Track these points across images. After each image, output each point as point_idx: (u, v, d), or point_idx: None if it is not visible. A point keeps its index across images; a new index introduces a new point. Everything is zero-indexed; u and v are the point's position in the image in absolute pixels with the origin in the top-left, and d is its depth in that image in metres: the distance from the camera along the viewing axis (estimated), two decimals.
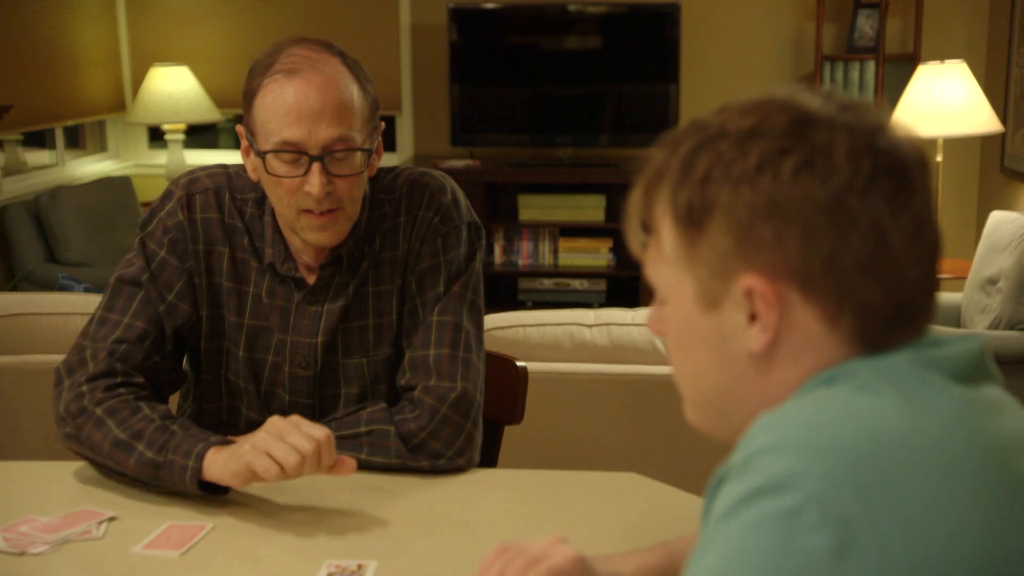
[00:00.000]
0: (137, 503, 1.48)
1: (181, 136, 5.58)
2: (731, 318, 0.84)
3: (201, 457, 1.43)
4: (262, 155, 1.51)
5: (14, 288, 4.69)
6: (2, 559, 1.33)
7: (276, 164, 1.50)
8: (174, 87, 5.42)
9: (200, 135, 6.01)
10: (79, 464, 1.64)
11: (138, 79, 5.69)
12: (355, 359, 1.64)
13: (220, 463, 1.42)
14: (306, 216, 1.52)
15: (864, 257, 0.80)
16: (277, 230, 1.61)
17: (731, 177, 0.82)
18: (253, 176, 1.58)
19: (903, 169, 0.82)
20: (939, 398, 0.79)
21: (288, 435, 1.37)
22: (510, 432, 1.84)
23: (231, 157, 6.10)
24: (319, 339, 1.62)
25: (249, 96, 1.53)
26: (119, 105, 5.83)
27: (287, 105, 1.48)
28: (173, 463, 1.44)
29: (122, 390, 1.55)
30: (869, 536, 0.71)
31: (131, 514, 1.44)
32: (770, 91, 0.86)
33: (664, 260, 0.89)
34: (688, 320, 0.88)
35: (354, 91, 1.52)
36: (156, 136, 5.91)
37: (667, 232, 0.87)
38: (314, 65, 1.50)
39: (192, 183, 1.65)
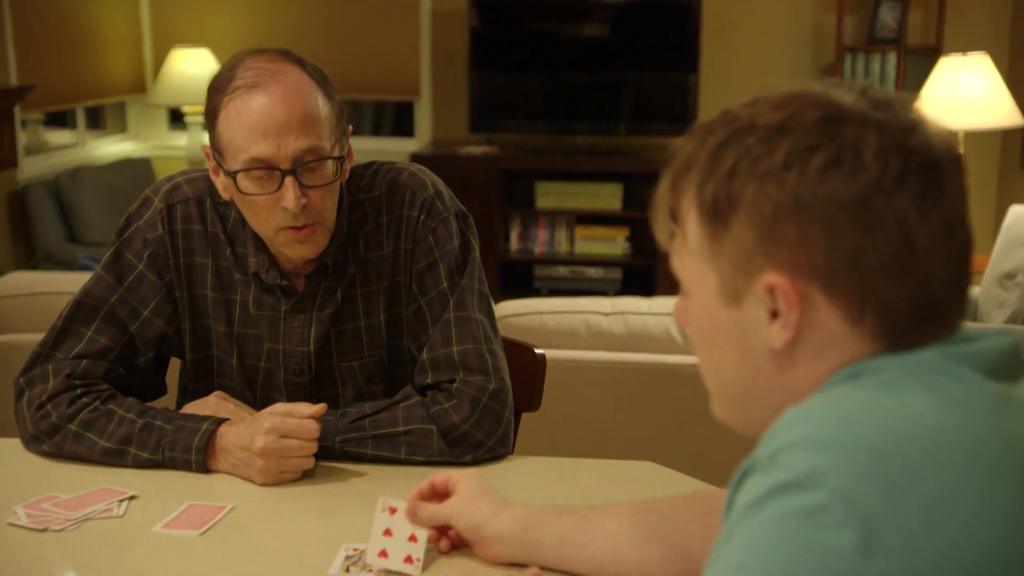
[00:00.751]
0: (157, 483, 1.49)
1: (201, 118, 5.58)
2: (753, 314, 0.84)
3: (203, 451, 1.50)
4: (232, 175, 1.47)
5: (35, 267, 4.71)
6: (25, 535, 1.34)
7: (247, 183, 1.47)
8: (195, 69, 5.42)
9: None
10: None
11: (159, 61, 5.70)
12: (348, 362, 1.63)
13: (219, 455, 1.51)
14: (284, 232, 1.50)
15: (889, 257, 0.79)
16: (259, 239, 1.58)
17: (757, 173, 0.81)
18: (225, 195, 1.54)
19: (935, 168, 0.80)
20: (970, 393, 0.77)
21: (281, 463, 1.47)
22: (529, 419, 1.84)
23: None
24: (311, 347, 1.61)
25: (212, 116, 1.50)
26: (140, 86, 5.84)
27: (252, 121, 1.44)
28: (175, 459, 1.51)
29: (85, 399, 1.55)
30: (894, 534, 0.70)
31: (151, 494, 1.45)
32: (804, 85, 0.85)
33: (688, 252, 0.88)
34: (711, 313, 0.87)
35: (318, 99, 1.48)
36: (176, 118, 5.92)
37: (692, 224, 0.86)
38: (275, 76, 1.46)
39: (172, 192, 1.62)
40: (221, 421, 1.52)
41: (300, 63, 1.50)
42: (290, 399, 1.61)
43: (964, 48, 4.70)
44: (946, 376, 0.78)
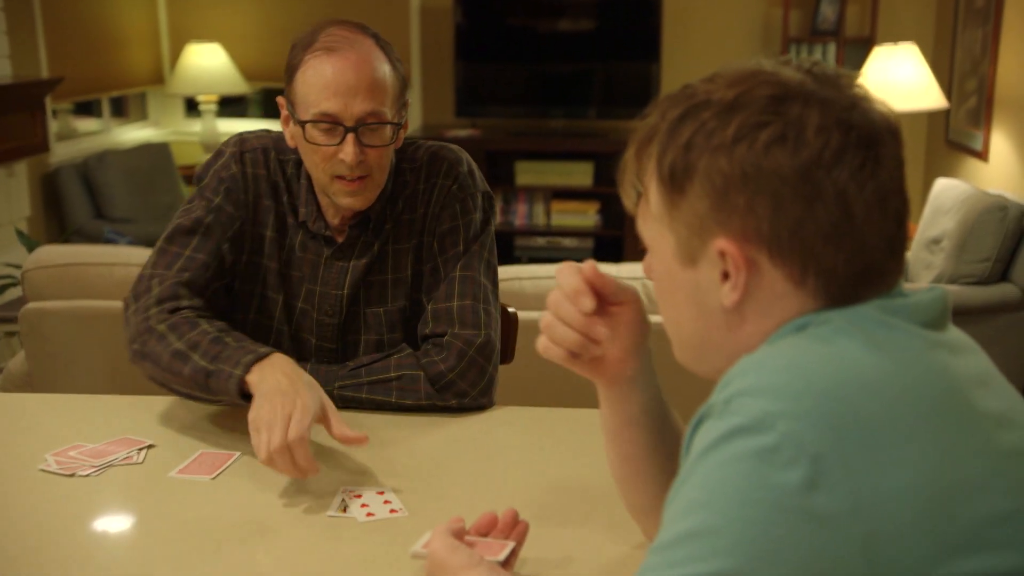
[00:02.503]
0: (173, 433, 1.47)
1: (214, 107, 5.53)
2: (706, 274, 0.83)
3: (248, 367, 1.35)
4: (302, 124, 1.48)
5: (66, 241, 4.67)
6: (55, 479, 1.32)
7: (314, 133, 1.48)
8: (208, 62, 5.38)
9: (231, 106, 5.95)
10: (123, 398, 1.63)
11: (175, 55, 5.65)
12: (374, 309, 1.62)
13: (256, 383, 1.33)
14: (338, 182, 1.50)
15: (828, 226, 0.78)
16: (311, 191, 1.59)
17: (711, 146, 0.80)
18: (291, 143, 1.55)
19: (872, 141, 0.79)
20: (904, 339, 0.77)
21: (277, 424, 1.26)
22: (509, 374, 1.82)
23: (260, 126, 6.07)
24: (345, 291, 1.60)
25: (291, 70, 1.50)
26: (158, 78, 5.78)
27: (326, 80, 1.46)
28: (221, 372, 1.37)
29: (185, 311, 1.50)
30: (838, 469, 0.69)
31: (168, 442, 1.43)
32: (759, 63, 0.83)
33: (651, 216, 0.86)
34: (670, 272, 0.86)
35: (386, 70, 1.49)
36: (191, 106, 5.86)
37: (653, 191, 0.85)
38: (351, 45, 1.47)
39: (243, 142, 1.63)
40: (273, 353, 1.38)
41: (375, 37, 1.51)
42: (319, 339, 1.61)
43: (895, 38, 4.68)
44: (883, 326, 0.78)
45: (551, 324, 1.00)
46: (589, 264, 0.99)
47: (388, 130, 1.50)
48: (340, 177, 1.50)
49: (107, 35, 5.33)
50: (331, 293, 1.61)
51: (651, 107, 0.87)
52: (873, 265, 0.80)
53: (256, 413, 1.28)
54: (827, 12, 5.04)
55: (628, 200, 0.89)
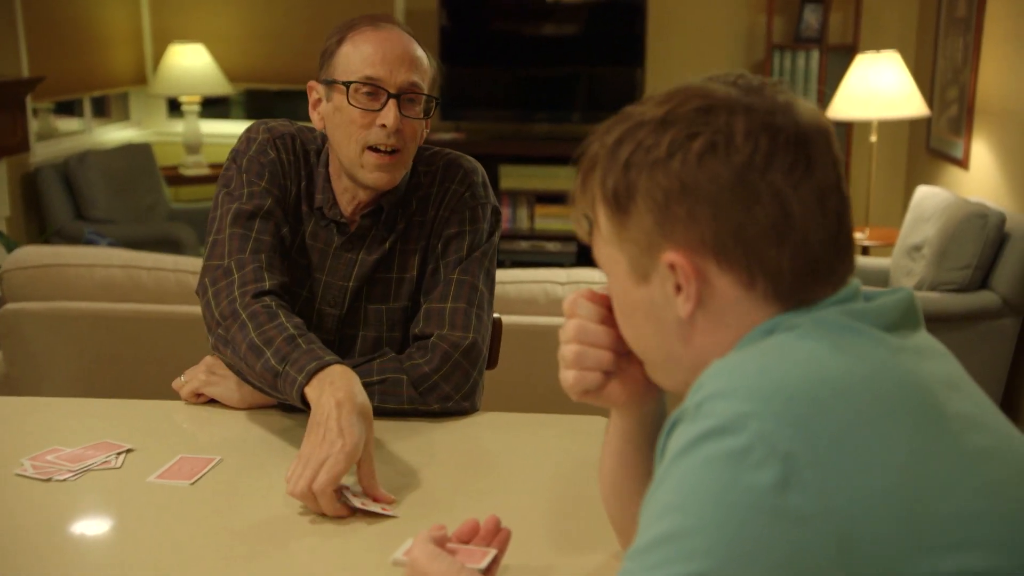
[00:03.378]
0: (153, 437, 1.45)
1: (196, 107, 5.51)
2: (660, 289, 0.84)
3: (311, 376, 1.34)
4: (346, 85, 1.51)
5: (46, 241, 4.63)
6: (31, 484, 1.31)
7: (357, 97, 1.51)
8: (191, 63, 5.35)
9: (214, 107, 5.92)
10: (102, 401, 1.61)
11: (158, 55, 5.62)
12: (376, 306, 1.62)
13: (316, 397, 1.31)
14: (370, 154, 1.52)
15: (768, 227, 0.80)
16: (327, 179, 1.61)
17: (648, 162, 0.82)
18: (319, 125, 1.58)
19: (802, 142, 0.81)
20: (869, 343, 0.78)
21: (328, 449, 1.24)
22: (492, 379, 1.82)
23: (243, 127, 6.03)
24: (351, 283, 1.61)
25: (332, 48, 1.55)
26: (141, 78, 5.75)
27: (372, 48, 1.51)
28: (288, 375, 1.36)
29: (267, 298, 1.47)
30: (810, 470, 0.70)
31: (147, 446, 1.42)
32: (686, 81, 0.86)
33: (602, 241, 0.88)
34: (626, 292, 0.88)
35: (423, 54, 1.56)
36: (174, 107, 5.83)
37: (601, 215, 0.87)
38: (393, 26, 1.55)
39: (271, 129, 1.64)
40: (335, 364, 1.37)
41: (407, 31, 1.57)
42: (318, 329, 1.58)
43: (877, 46, 4.71)
44: (849, 330, 0.79)
45: (581, 353, 0.97)
46: (589, 290, 0.99)
47: (423, 104, 1.54)
48: (373, 149, 1.52)
49: (89, 34, 5.30)
50: (337, 284, 1.61)
51: (590, 136, 0.89)
52: (819, 262, 0.81)
53: (304, 442, 1.26)
54: (810, 20, 5.07)
55: (581, 230, 0.91)
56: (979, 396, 0.82)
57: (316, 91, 1.58)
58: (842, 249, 0.83)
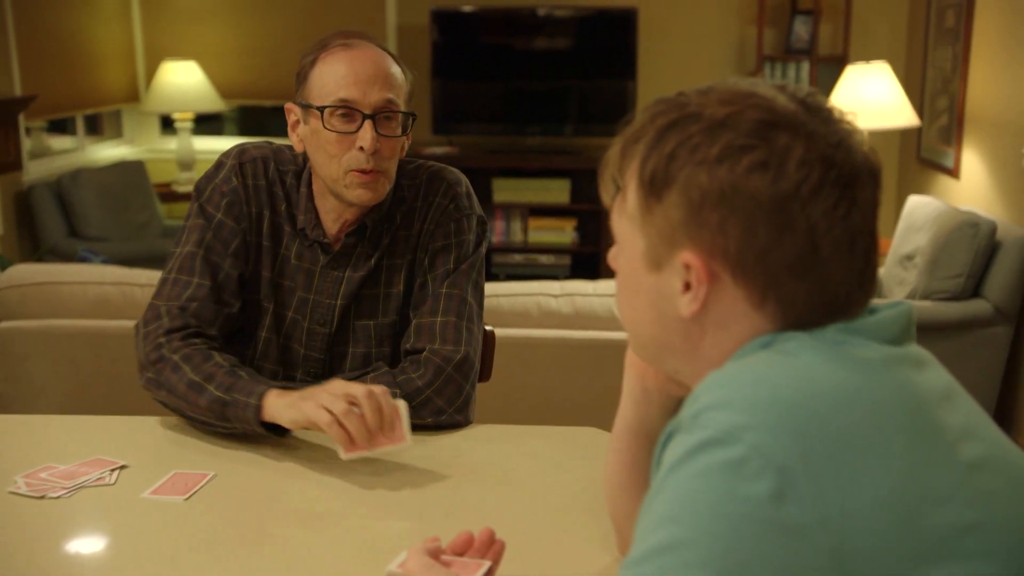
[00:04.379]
0: (147, 453, 1.45)
1: (189, 124, 5.51)
2: (669, 282, 0.84)
3: (262, 396, 1.41)
4: (320, 110, 1.50)
5: (39, 259, 4.62)
6: (24, 502, 1.30)
7: (333, 121, 1.51)
8: (183, 80, 5.35)
9: (207, 123, 5.93)
10: (95, 418, 1.61)
11: (151, 72, 5.63)
12: (364, 322, 1.62)
13: (281, 406, 1.40)
14: (352, 174, 1.52)
15: (793, 258, 0.79)
16: (310, 199, 1.61)
17: (694, 160, 0.81)
18: (299, 147, 1.59)
19: (851, 182, 0.80)
20: (865, 356, 0.78)
21: (344, 392, 1.36)
22: (485, 391, 1.82)
23: (236, 143, 6.03)
24: (339, 301, 1.61)
25: (305, 69, 1.55)
26: (134, 96, 5.75)
27: (344, 70, 1.51)
28: (238, 402, 1.43)
29: (196, 340, 1.53)
30: (806, 481, 0.70)
31: (141, 463, 1.42)
32: (755, 84, 0.84)
33: (626, 214, 0.88)
34: (635, 273, 0.88)
35: (397, 69, 1.56)
36: (167, 124, 5.84)
37: (632, 191, 0.86)
38: (365, 44, 1.54)
39: (242, 153, 1.64)
40: (288, 386, 1.46)
41: (381, 46, 1.57)
42: (308, 348, 1.62)
43: (867, 57, 4.74)
44: (844, 345, 0.79)
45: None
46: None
47: (400, 121, 1.54)
48: (354, 170, 1.52)
49: (82, 52, 5.30)
50: (324, 302, 1.61)
51: (644, 108, 0.87)
52: (836, 298, 0.81)
53: (311, 399, 1.36)
54: (800, 31, 5.10)
55: (606, 193, 0.91)
56: (972, 407, 0.83)
57: (294, 113, 1.58)
58: (865, 285, 0.82)
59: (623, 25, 5.22)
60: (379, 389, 1.36)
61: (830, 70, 4.97)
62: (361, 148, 1.50)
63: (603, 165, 0.90)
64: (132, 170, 5.29)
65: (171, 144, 5.77)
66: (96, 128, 5.82)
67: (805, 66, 5.05)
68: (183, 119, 5.46)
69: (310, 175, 1.61)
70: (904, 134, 5.06)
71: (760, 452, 0.70)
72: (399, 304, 1.63)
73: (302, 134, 1.57)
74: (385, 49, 1.56)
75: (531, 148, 5.40)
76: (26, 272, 2.69)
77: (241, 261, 1.60)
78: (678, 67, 5.34)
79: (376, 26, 5.50)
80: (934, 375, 0.82)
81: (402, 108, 1.54)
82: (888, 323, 0.82)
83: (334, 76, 1.51)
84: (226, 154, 1.65)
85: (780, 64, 5.12)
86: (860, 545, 0.70)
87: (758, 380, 0.75)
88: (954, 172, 4.24)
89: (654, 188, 0.83)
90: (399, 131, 1.54)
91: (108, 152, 5.69)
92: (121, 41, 5.66)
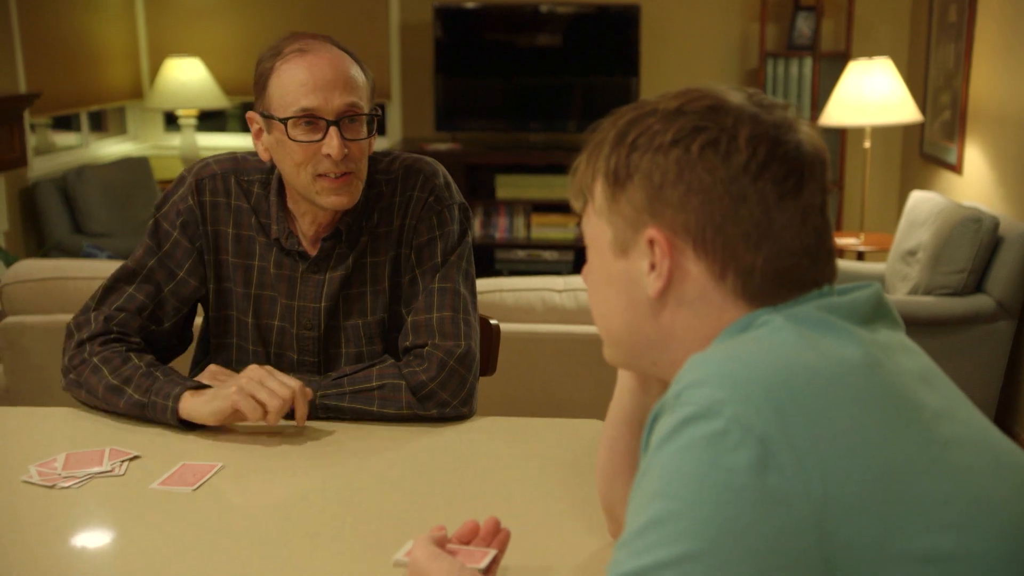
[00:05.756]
0: (157, 444, 1.47)
1: (193, 121, 5.52)
2: (636, 265, 0.89)
3: (178, 398, 1.48)
4: (284, 122, 1.49)
5: (44, 255, 4.64)
6: (36, 491, 1.32)
7: (296, 131, 1.49)
8: (187, 77, 5.37)
9: (210, 120, 5.94)
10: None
11: (154, 69, 5.64)
12: (353, 321, 1.63)
13: (198, 403, 1.47)
14: (322, 180, 1.51)
15: (749, 228, 0.84)
16: (282, 208, 1.60)
17: (652, 146, 0.87)
18: (265, 156, 1.57)
19: (797, 161, 0.86)
20: (841, 334, 0.82)
21: (268, 381, 1.43)
22: (490, 385, 1.84)
23: (239, 139, 6.06)
24: (322, 304, 1.61)
25: (262, 80, 1.52)
26: (138, 93, 5.77)
27: (303, 78, 1.48)
28: (155, 404, 1.49)
29: (116, 344, 1.58)
30: (785, 451, 0.73)
31: (151, 454, 1.43)
32: (705, 84, 0.91)
33: (594, 212, 0.92)
34: (604, 262, 0.92)
35: (357, 69, 1.53)
36: (171, 121, 5.85)
37: (598, 189, 0.91)
38: (321, 46, 1.51)
39: (202, 169, 1.64)
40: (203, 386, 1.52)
41: (338, 45, 1.55)
42: (300, 353, 1.64)
43: (870, 53, 4.74)
44: (821, 323, 0.82)
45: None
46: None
47: (366, 123, 1.53)
48: (323, 176, 1.51)
49: (86, 49, 5.32)
50: (309, 306, 1.62)
51: (605, 119, 0.93)
52: (794, 269, 0.85)
53: (240, 381, 1.44)
54: (803, 28, 5.10)
55: (576, 203, 0.96)
56: (951, 390, 0.86)
57: (256, 122, 1.56)
58: (820, 260, 0.87)
59: (626, 21, 5.23)
60: (298, 384, 1.45)
61: (833, 66, 4.97)
62: (328, 155, 1.48)
63: (571, 175, 0.95)
64: (136, 166, 5.31)
65: (175, 141, 5.79)
66: (100, 125, 5.84)
67: (808, 62, 5.05)
68: (187, 116, 5.47)
69: (279, 182, 1.60)
70: (907, 130, 5.06)
71: (740, 424, 0.73)
72: (387, 301, 1.63)
73: (267, 143, 1.55)
74: (341, 47, 1.54)
75: (534, 144, 5.41)
76: (32, 268, 2.71)
77: (198, 280, 1.63)
78: (681, 63, 5.35)
79: (379, 23, 5.52)
80: (911, 358, 0.86)
81: (365, 109, 1.52)
82: (861, 303, 0.86)
83: (293, 84, 1.48)
84: (188, 169, 1.66)
85: (783, 60, 5.12)
86: (841, 512, 0.72)
87: (737, 358, 0.78)
88: (957, 168, 4.25)
89: (618, 180, 0.89)
90: (365, 132, 1.52)
91: (112, 149, 5.71)
92: (125, 38, 5.67)
